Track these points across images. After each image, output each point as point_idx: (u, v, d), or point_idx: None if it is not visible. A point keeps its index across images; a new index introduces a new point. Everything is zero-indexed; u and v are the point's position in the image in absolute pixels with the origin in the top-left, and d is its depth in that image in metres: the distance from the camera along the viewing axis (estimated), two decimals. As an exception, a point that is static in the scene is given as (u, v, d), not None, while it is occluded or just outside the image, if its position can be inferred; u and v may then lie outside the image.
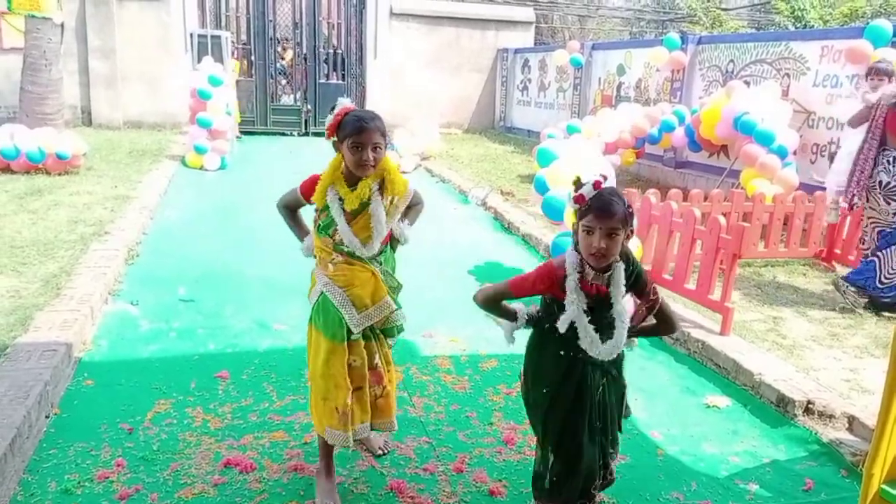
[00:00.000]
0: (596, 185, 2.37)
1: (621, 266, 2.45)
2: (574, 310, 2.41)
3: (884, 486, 2.25)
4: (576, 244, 2.46)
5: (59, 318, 4.36)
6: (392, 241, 3.01)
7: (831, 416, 3.81)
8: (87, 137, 10.96)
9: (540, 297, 2.63)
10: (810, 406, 3.86)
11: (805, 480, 3.31)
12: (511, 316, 2.64)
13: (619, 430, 2.71)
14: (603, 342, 2.44)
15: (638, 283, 2.53)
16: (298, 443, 3.39)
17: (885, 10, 18.67)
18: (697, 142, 9.19)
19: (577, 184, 2.42)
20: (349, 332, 2.83)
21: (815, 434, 3.72)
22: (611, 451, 2.67)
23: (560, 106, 15.38)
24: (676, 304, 5.31)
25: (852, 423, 3.77)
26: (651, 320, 2.64)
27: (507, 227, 8.18)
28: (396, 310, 2.99)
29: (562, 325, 2.43)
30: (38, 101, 10.79)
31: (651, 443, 3.59)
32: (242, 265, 6.19)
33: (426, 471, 3.21)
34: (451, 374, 4.26)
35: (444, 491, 3.07)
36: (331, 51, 17.08)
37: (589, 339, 2.42)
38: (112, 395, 3.79)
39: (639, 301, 2.59)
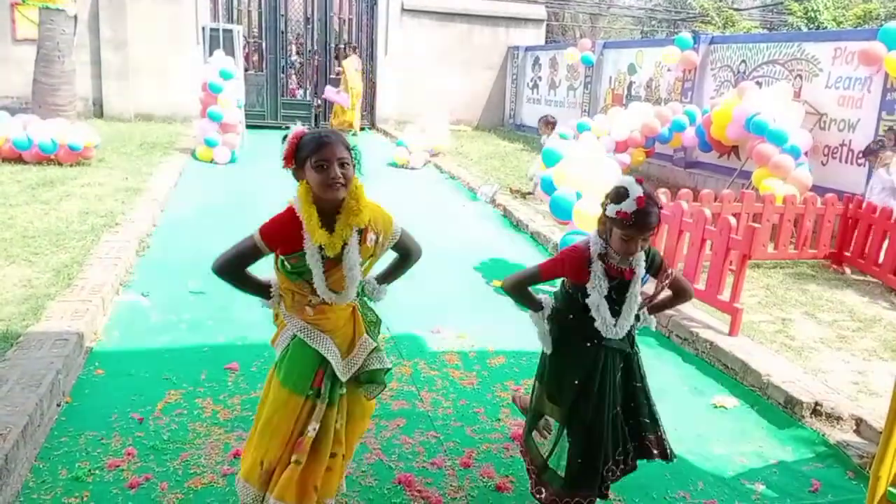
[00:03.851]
0: (640, 201, 2.48)
1: (641, 253, 2.65)
2: (598, 294, 2.61)
3: (891, 489, 2.25)
4: (600, 232, 2.64)
5: (71, 308, 4.40)
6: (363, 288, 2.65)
7: (839, 418, 3.81)
8: (99, 129, 11.00)
9: (560, 293, 2.82)
10: (818, 408, 3.86)
11: (812, 482, 3.32)
12: (536, 305, 2.81)
13: (649, 402, 2.89)
14: (615, 323, 2.66)
15: (655, 264, 2.75)
16: (307, 435, 3.40)
17: (899, 12, 18.56)
18: (708, 142, 9.17)
19: (619, 196, 2.52)
20: (310, 387, 2.48)
21: (823, 436, 3.73)
22: (646, 429, 2.86)
23: (570, 104, 15.36)
24: (685, 305, 5.31)
25: (860, 425, 3.77)
26: (667, 294, 2.86)
27: (516, 225, 8.18)
28: (373, 350, 2.59)
29: (592, 306, 2.62)
30: (50, 92, 10.84)
31: (658, 442, 3.60)
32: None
33: (434, 465, 3.23)
34: (459, 370, 4.27)
35: (451, 485, 3.09)
36: (342, 46, 17.10)
37: (602, 320, 2.63)
38: (123, 384, 3.83)
39: (656, 279, 2.79)
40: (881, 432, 2.26)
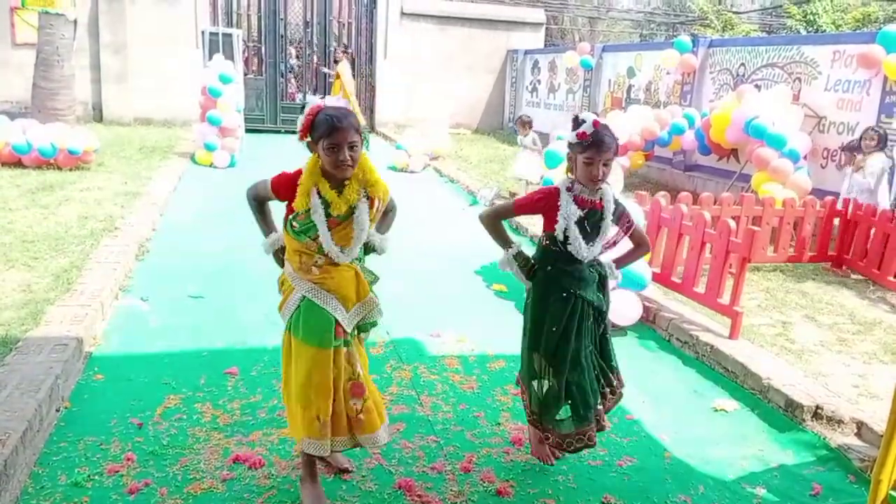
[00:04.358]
0: (595, 123, 2.86)
1: (608, 186, 3.01)
2: (566, 219, 2.92)
3: (892, 493, 2.25)
4: (567, 170, 3.00)
5: (70, 313, 4.39)
6: (366, 246, 2.89)
7: (840, 422, 3.80)
8: (98, 133, 11.00)
9: (537, 250, 3.12)
10: (819, 411, 3.86)
11: (813, 485, 3.31)
12: (506, 241, 3.13)
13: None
14: (589, 246, 2.99)
15: (618, 210, 3.05)
16: (307, 440, 3.39)
17: (897, 15, 18.59)
18: (707, 145, 9.18)
19: (577, 122, 2.89)
20: (335, 338, 2.73)
21: (824, 439, 3.72)
22: (612, 373, 3.21)
23: (570, 107, 15.37)
24: (685, 308, 5.31)
25: (861, 428, 3.76)
26: (628, 246, 3.21)
27: (516, 228, 8.17)
28: (375, 305, 2.89)
29: (559, 230, 2.94)
30: (49, 96, 10.85)
31: (659, 445, 3.59)
32: (251, 262, 6.18)
33: (434, 469, 3.22)
34: (459, 374, 4.26)
35: (451, 490, 3.08)
36: (341, 50, 17.12)
37: (577, 243, 2.94)
38: (122, 389, 3.82)
39: (618, 226, 3.11)
40: (882, 436, 2.26)
